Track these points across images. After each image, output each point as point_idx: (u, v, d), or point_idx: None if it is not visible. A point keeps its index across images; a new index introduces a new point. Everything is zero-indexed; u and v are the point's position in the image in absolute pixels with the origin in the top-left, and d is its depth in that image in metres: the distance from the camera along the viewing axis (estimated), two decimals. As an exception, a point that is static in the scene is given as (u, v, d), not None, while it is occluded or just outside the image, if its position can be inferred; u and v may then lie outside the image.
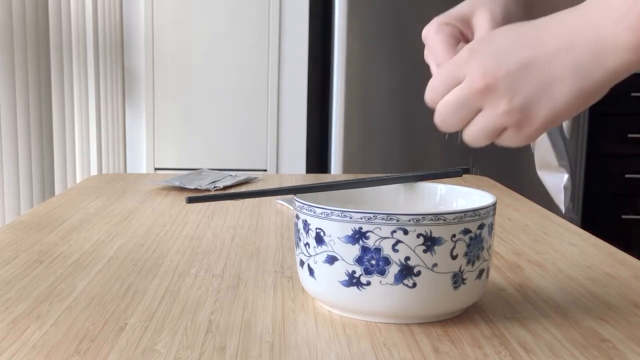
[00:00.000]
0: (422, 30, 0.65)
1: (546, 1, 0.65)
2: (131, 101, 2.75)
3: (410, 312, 0.57)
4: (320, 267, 0.58)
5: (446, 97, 0.55)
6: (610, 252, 0.81)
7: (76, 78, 2.08)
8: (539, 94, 0.52)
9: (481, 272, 0.59)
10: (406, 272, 0.55)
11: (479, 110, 0.54)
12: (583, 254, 0.80)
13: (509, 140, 0.54)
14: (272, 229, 0.92)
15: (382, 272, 0.56)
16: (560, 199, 0.69)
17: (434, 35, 0.60)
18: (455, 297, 0.57)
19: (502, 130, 0.54)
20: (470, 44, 0.54)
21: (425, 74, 0.61)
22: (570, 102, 0.52)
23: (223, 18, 2.70)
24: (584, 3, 0.51)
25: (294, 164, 2.80)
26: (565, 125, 2.60)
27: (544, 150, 0.66)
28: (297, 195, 0.61)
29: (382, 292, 0.56)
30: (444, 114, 0.55)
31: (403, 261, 0.55)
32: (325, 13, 2.70)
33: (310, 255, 0.59)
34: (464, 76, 0.53)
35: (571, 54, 0.50)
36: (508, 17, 0.60)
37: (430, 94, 0.56)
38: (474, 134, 0.55)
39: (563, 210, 0.70)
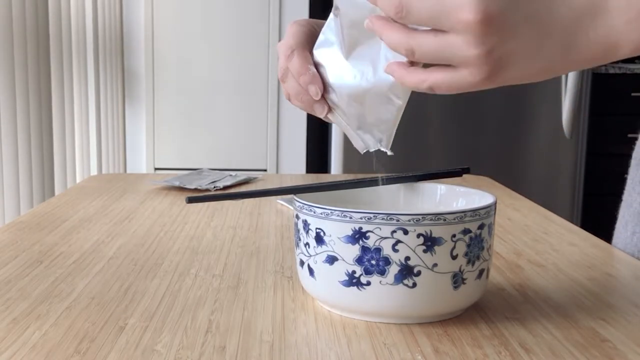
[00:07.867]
0: None
1: None
2: (131, 101, 2.75)
3: (410, 312, 0.57)
4: (320, 267, 0.58)
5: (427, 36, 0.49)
6: (610, 252, 0.81)
7: (76, 78, 2.08)
8: (524, 54, 0.48)
9: (481, 272, 0.59)
10: (406, 272, 0.55)
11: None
12: (583, 254, 0.80)
13: (458, 80, 0.50)
14: (272, 229, 0.91)
15: (382, 272, 0.56)
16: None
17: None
18: (455, 297, 0.57)
19: (458, 68, 0.49)
20: None
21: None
22: (543, 75, 0.49)
23: (223, 18, 2.70)
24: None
25: (294, 164, 2.80)
26: (565, 124, 2.58)
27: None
28: (297, 195, 0.61)
29: (382, 292, 0.56)
30: (421, 52, 0.50)
31: (403, 261, 0.55)
32: (325, 13, 2.70)
33: (310, 255, 0.59)
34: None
35: (580, 35, 0.48)
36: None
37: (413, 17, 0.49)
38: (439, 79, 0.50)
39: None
